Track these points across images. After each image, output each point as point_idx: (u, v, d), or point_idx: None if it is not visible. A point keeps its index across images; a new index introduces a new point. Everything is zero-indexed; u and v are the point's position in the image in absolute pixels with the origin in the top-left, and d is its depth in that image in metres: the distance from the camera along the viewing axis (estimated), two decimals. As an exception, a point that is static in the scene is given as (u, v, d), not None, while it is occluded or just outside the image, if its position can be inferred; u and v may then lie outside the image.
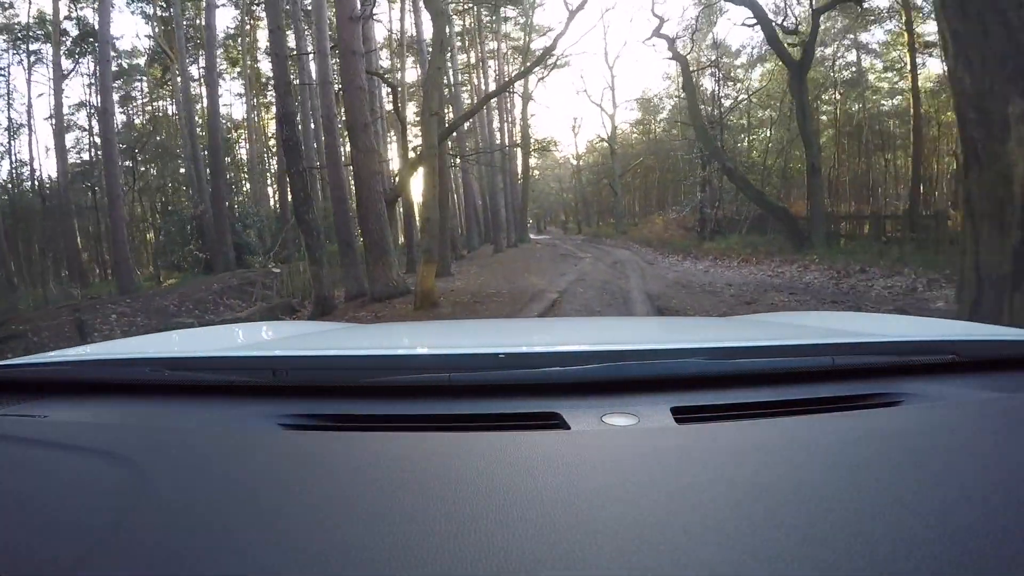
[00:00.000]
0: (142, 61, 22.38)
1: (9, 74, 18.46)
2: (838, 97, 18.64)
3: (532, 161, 34.58)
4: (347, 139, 9.40)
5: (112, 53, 18.33)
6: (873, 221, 13.24)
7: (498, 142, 22.34)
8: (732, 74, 19.35)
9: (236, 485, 0.54)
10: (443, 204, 13.43)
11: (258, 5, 16.58)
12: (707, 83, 19.35)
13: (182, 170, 19.49)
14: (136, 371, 0.85)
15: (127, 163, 20.64)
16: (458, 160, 18.44)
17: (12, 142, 18.93)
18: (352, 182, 9.68)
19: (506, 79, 23.60)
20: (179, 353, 1.01)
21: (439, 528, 0.44)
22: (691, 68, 15.14)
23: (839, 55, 18.95)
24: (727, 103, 17.88)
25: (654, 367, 0.78)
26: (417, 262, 8.56)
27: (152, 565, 0.41)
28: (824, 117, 18.19)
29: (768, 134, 20.20)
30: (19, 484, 0.56)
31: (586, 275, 10.92)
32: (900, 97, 19.17)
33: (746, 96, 19.02)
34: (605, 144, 30.65)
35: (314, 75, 11.42)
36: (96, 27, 15.31)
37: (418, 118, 12.76)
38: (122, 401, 0.80)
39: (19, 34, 17.48)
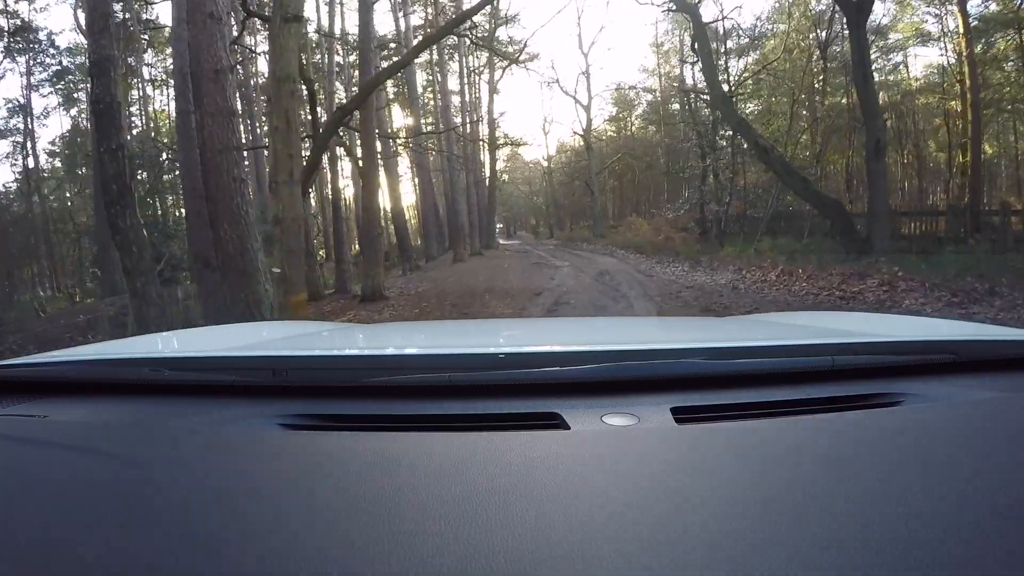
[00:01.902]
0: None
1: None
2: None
3: (501, 163, 32.72)
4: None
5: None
6: (952, 218, 9.61)
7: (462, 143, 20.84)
8: (723, 61, 16.09)
9: (236, 485, 0.58)
10: (369, 204, 11.14)
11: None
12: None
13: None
14: (136, 371, 0.87)
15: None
16: (395, 148, 14.50)
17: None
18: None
19: (470, 74, 19.96)
20: (179, 353, 1.05)
21: (439, 528, 0.47)
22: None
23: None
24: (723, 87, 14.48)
25: (654, 367, 0.83)
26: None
27: (152, 565, 0.45)
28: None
29: (758, 116, 18.54)
30: (19, 484, 0.60)
31: (568, 294, 8.84)
32: (893, 90, 18.50)
33: (759, 69, 18.00)
34: (579, 139, 30.23)
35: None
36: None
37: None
38: (122, 401, 0.83)
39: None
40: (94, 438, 0.69)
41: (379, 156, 11.65)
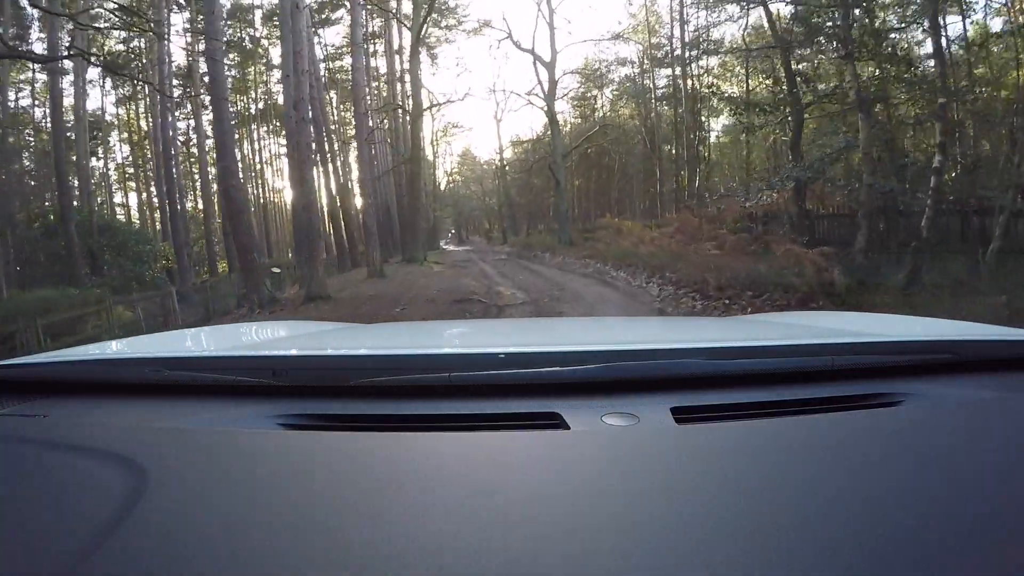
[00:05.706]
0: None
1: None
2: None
3: (450, 164, 25.25)
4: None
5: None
6: None
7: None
8: None
9: (236, 485, 0.58)
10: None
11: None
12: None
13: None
14: (136, 371, 0.86)
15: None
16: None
17: None
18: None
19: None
20: (179, 353, 1.02)
21: (439, 527, 0.47)
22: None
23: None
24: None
25: (654, 367, 0.82)
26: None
27: (152, 565, 0.45)
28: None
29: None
30: (19, 484, 0.60)
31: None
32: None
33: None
34: (536, 121, 25.67)
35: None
36: None
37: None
38: (122, 401, 0.82)
39: None
40: (94, 438, 0.69)
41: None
